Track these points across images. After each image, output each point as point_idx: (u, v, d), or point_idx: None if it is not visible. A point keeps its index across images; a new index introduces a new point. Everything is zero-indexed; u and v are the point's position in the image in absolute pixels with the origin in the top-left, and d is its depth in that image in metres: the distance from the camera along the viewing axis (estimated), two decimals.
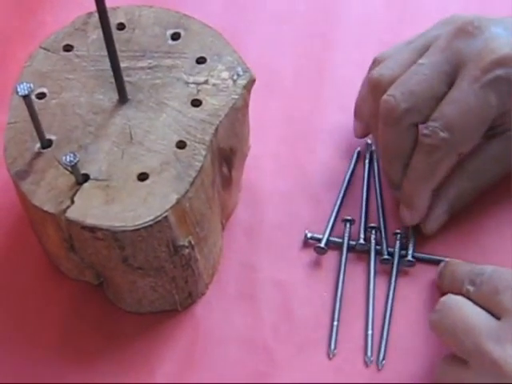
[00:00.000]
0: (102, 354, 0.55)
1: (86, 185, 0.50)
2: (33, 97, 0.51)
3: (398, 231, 0.57)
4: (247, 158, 0.59)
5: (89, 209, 0.49)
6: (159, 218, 0.48)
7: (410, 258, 0.56)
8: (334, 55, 0.67)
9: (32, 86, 0.48)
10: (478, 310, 0.49)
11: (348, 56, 0.67)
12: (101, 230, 0.49)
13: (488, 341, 0.47)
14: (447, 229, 0.58)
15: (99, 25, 0.49)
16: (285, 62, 0.67)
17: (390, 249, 0.57)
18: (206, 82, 0.53)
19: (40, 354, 0.55)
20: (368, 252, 0.57)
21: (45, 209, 0.49)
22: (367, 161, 0.61)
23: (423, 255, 0.57)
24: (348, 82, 0.65)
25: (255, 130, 0.59)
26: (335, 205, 0.59)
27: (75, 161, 0.48)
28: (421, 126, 0.55)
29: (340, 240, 0.58)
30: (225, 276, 0.57)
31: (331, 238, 0.58)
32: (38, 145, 0.51)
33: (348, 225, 0.58)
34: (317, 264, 0.57)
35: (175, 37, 0.55)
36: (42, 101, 0.53)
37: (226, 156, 0.55)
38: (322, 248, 0.57)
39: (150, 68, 0.54)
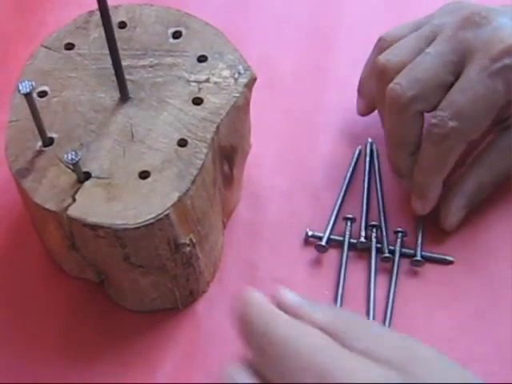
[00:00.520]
0: (102, 352, 0.55)
1: (87, 183, 0.50)
2: (34, 95, 0.51)
3: (399, 229, 0.57)
4: (248, 156, 0.59)
5: (90, 207, 0.49)
6: (160, 216, 0.49)
7: (418, 257, 0.56)
8: (334, 54, 0.67)
9: (34, 83, 0.48)
10: None
11: (349, 55, 0.67)
12: (102, 227, 0.49)
13: None
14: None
15: (101, 23, 0.49)
16: (286, 61, 0.67)
17: (390, 247, 0.57)
18: (207, 81, 0.54)
19: (40, 353, 0.55)
20: (369, 250, 0.57)
21: (46, 207, 0.49)
22: (368, 159, 0.61)
23: (425, 253, 0.57)
24: (349, 80, 0.65)
25: (256, 129, 0.59)
26: (336, 203, 0.59)
27: (77, 159, 0.48)
28: (429, 116, 0.55)
29: (341, 238, 0.58)
30: (226, 274, 0.57)
31: (332, 236, 0.58)
32: (40, 143, 0.51)
33: (349, 223, 0.58)
34: (318, 262, 0.57)
35: (176, 35, 0.56)
36: (44, 99, 0.53)
37: (228, 154, 0.55)
38: (323, 246, 0.57)
39: (151, 66, 0.54)
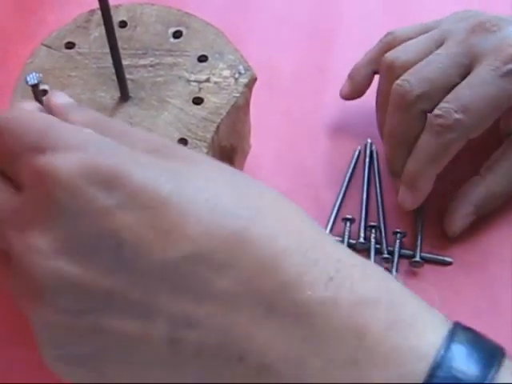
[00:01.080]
0: None
1: None
2: None
3: (398, 230, 0.57)
4: (248, 157, 0.59)
5: None
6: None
7: (417, 258, 0.56)
8: (334, 54, 0.67)
9: (41, 75, 0.48)
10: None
11: (348, 55, 0.67)
12: None
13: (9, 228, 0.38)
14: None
15: (101, 22, 0.49)
16: (286, 61, 0.67)
17: (389, 248, 0.57)
18: (207, 80, 0.54)
19: (40, 353, 0.55)
20: (368, 251, 0.57)
21: None
22: (367, 160, 0.61)
23: (424, 254, 0.57)
24: None
25: (256, 129, 0.59)
26: (335, 204, 0.59)
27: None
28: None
29: (340, 239, 0.58)
30: None
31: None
32: None
33: (348, 224, 0.58)
34: None
35: (177, 35, 0.56)
36: (44, 98, 0.53)
37: (227, 154, 0.55)
38: None
39: (151, 66, 0.54)
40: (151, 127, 0.52)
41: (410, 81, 0.55)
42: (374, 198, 0.60)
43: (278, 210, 0.36)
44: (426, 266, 0.57)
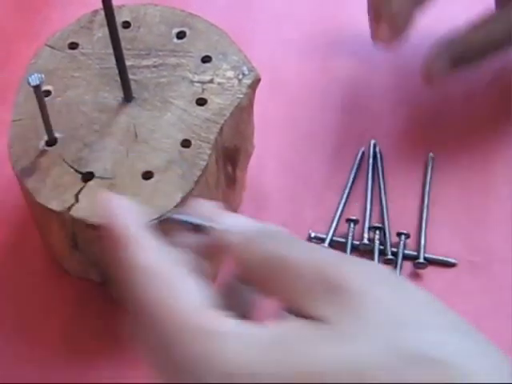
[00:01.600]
0: (104, 353, 0.55)
1: (90, 183, 0.50)
2: None
3: (402, 231, 0.57)
4: (251, 157, 0.59)
5: (93, 207, 0.49)
6: (164, 217, 0.48)
7: (421, 259, 0.56)
8: (338, 55, 0.67)
9: (43, 76, 0.48)
10: None
11: (352, 56, 0.66)
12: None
13: None
14: (450, 231, 0.58)
15: (105, 23, 0.49)
16: (290, 62, 0.66)
17: (393, 249, 0.57)
18: (211, 81, 0.53)
19: (42, 353, 0.55)
20: (372, 252, 0.57)
21: (49, 207, 0.49)
22: (371, 160, 0.61)
23: (427, 255, 0.57)
24: (352, 81, 0.65)
25: (259, 130, 0.59)
26: (339, 204, 0.59)
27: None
28: None
29: (344, 240, 0.58)
30: (228, 275, 0.57)
31: (335, 238, 0.58)
32: (43, 143, 0.51)
33: (352, 225, 0.58)
34: None
35: (181, 35, 0.55)
36: (47, 98, 0.53)
37: (231, 155, 0.55)
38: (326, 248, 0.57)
39: (155, 66, 0.54)
40: (154, 128, 0.52)
41: None
42: (377, 198, 0.59)
43: None
44: (430, 268, 0.57)
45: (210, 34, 0.55)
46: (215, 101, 0.53)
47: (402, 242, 0.57)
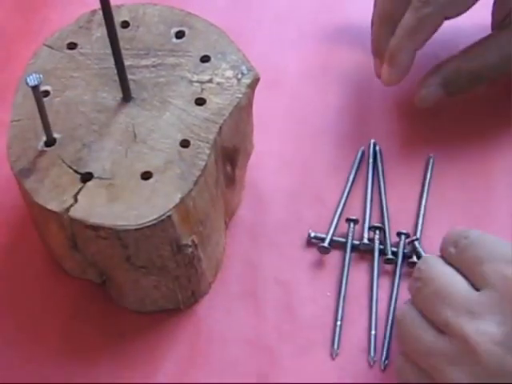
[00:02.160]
0: (104, 353, 0.55)
1: (89, 183, 0.50)
2: None
3: (402, 231, 0.57)
4: (251, 157, 0.59)
5: (92, 207, 0.49)
6: (163, 217, 0.48)
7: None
8: (338, 54, 0.67)
9: (42, 76, 0.48)
10: (458, 278, 0.47)
11: (352, 55, 0.66)
12: (104, 228, 0.48)
13: (461, 314, 0.45)
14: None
15: (103, 23, 0.49)
16: (289, 61, 0.66)
17: (393, 248, 0.57)
18: (210, 81, 0.53)
19: (42, 353, 0.55)
20: (372, 252, 0.57)
21: (48, 207, 0.49)
22: (371, 160, 0.61)
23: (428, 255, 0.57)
24: (352, 82, 0.64)
25: (259, 129, 0.59)
26: (339, 204, 0.59)
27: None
28: None
29: (344, 239, 0.57)
30: (228, 275, 0.57)
31: (335, 238, 0.58)
32: (42, 143, 0.51)
33: (352, 224, 0.58)
34: (320, 264, 0.57)
35: (179, 35, 0.55)
36: (46, 99, 0.53)
37: (230, 155, 0.55)
38: (326, 247, 0.57)
39: (153, 66, 0.54)
40: (153, 128, 0.52)
41: None
42: (377, 198, 0.59)
43: None
44: None
45: (208, 33, 0.55)
46: (214, 100, 0.53)
47: (401, 242, 0.57)
